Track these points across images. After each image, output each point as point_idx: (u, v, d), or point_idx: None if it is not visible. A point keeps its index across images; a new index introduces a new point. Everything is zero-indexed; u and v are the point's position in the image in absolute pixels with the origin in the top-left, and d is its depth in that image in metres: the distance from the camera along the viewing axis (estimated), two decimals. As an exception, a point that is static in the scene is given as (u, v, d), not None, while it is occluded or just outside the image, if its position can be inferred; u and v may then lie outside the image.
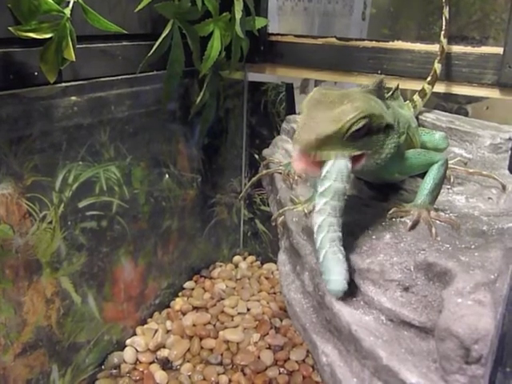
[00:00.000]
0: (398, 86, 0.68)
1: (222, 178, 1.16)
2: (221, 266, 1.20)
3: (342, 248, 0.49)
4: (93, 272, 0.85)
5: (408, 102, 0.80)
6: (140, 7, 0.74)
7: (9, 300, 0.71)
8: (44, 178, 0.72)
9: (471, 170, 0.70)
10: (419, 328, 0.46)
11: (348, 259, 0.50)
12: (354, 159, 0.51)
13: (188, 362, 0.91)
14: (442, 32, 0.84)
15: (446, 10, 0.86)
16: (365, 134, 0.51)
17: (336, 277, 0.48)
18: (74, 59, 0.64)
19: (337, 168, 0.49)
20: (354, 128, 0.49)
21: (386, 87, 0.60)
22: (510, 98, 0.82)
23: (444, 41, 0.84)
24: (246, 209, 1.23)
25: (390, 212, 0.57)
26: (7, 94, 0.65)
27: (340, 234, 0.50)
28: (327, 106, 0.51)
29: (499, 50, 0.80)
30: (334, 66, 0.97)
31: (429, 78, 0.84)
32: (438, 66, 0.84)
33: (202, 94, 0.92)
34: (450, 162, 0.68)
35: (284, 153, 0.84)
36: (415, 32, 1.36)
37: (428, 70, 0.85)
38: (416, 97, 0.82)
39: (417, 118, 0.82)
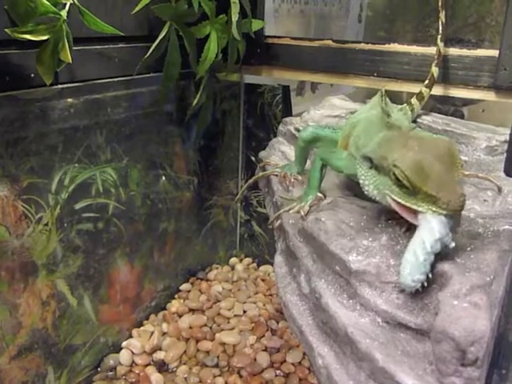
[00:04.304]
0: (384, 90, 0.68)
1: (219, 180, 1.16)
2: (217, 268, 1.20)
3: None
4: (89, 274, 0.84)
5: (405, 105, 0.80)
6: (137, 9, 0.74)
7: (4, 302, 0.70)
8: (40, 180, 0.72)
9: (467, 173, 0.70)
10: (415, 330, 0.46)
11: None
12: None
13: (184, 364, 0.91)
14: (439, 36, 0.85)
15: (442, 14, 0.86)
16: None
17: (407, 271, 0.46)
18: (71, 61, 0.64)
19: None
20: None
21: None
22: (506, 101, 0.83)
23: (441, 44, 0.84)
24: (242, 211, 1.23)
25: (386, 214, 0.57)
26: (3, 96, 0.65)
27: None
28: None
29: (495, 53, 0.80)
30: (330, 68, 0.97)
31: (426, 82, 0.84)
32: (435, 70, 0.84)
33: (198, 96, 0.92)
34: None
35: (280, 155, 0.84)
36: (411, 34, 1.36)
37: (424, 72, 0.85)
38: (414, 100, 0.82)
39: (414, 120, 0.82)
